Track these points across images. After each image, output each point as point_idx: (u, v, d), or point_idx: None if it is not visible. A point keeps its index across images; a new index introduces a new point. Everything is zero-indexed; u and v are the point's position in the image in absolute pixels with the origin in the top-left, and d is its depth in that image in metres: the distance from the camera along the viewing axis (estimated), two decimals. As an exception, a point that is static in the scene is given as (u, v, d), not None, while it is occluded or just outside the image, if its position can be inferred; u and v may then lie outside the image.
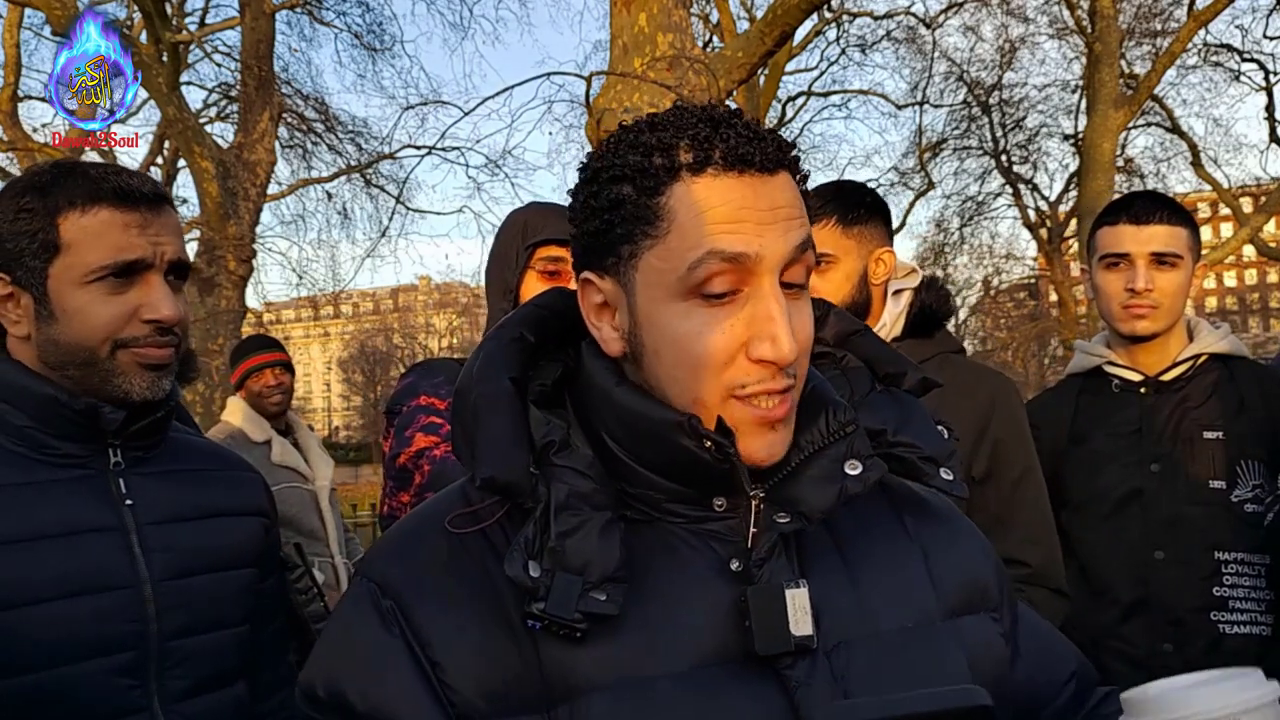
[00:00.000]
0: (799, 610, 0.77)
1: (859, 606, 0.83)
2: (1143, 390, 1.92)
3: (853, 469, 0.82)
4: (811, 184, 0.95)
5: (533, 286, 1.76)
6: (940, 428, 0.92)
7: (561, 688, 0.75)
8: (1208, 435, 1.85)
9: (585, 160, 0.84)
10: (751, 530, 0.81)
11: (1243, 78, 15.70)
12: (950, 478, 0.88)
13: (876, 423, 0.88)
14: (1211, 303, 50.80)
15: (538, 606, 0.74)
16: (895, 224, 2.06)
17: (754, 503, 0.81)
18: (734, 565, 0.80)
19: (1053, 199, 18.03)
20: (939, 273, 19.57)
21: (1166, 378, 1.91)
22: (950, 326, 1.96)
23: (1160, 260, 1.86)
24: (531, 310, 0.90)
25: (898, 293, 1.84)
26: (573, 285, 1.76)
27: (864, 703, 0.78)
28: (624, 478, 0.82)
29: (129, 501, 1.28)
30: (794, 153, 0.81)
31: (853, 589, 0.84)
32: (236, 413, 3.66)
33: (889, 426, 0.89)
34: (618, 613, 0.75)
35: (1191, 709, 0.85)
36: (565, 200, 0.88)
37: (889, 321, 1.83)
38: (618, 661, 0.76)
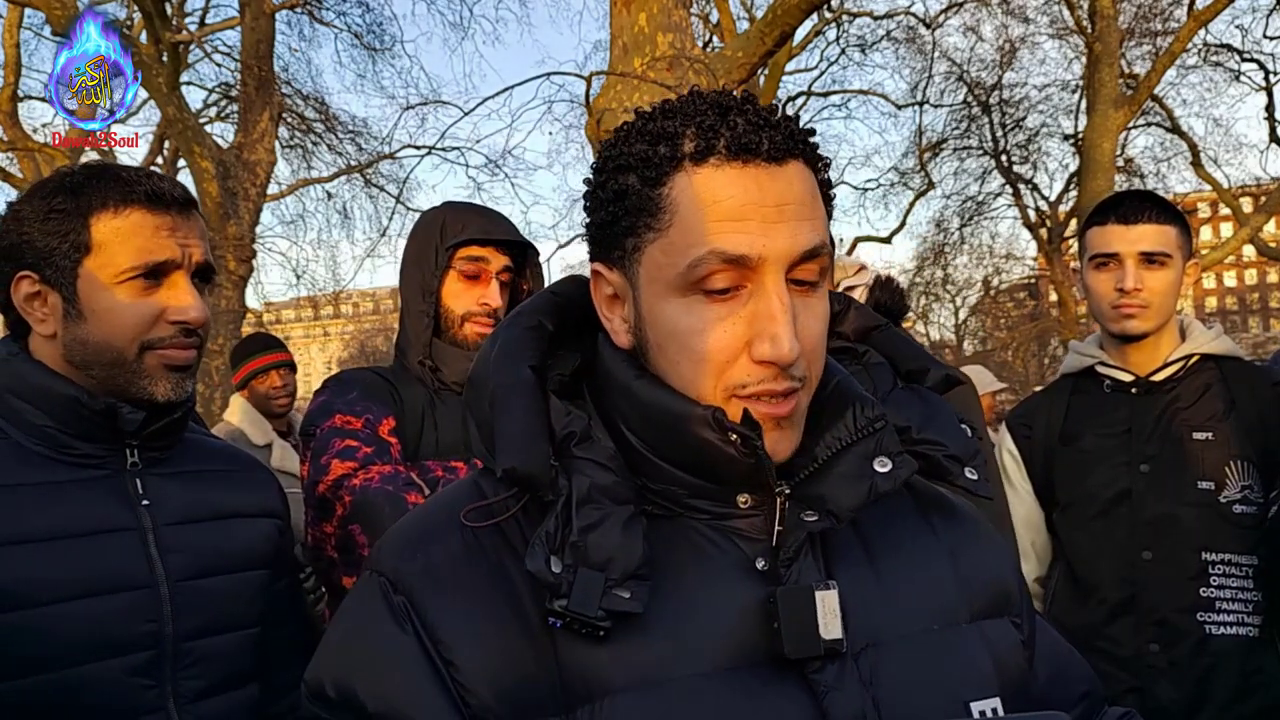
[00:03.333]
0: (829, 613, 0.74)
1: (886, 608, 0.80)
2: (1133, 390, 1.92)
3: (882, 466, 0.79)
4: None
5: (453, 288, 1.75)
6: (964, 426, 0.88)
7: (581, 689, 0.72)
8: (1197, 436, 1.84)
9: (599, 148, 0.80)
10: (777, 528, 0.78)
11: (1243, 78, 15.69)
12: (975, 478, 0.85)
13: (900, 420, 0.85)
14: (1211, 303, 50.74)
15: (560, 604, 0.71)
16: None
17: (780, 500, 0.78)
18: (760, 564, 0.78)
19: (1053, 199, 17.98)
20: (939, 272, 19.60)
21: (1157, 378, 1.90)
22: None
23: (1149, 259, 1.85)
24: (549, 298, 0.86)
25: (851, 289, 1.87)
26: (492, 286, 1.75)
27: None
28: (645, 473, 0.79)
29: (146, 502, 1.28)
30: (809, 140, 0.77)
31: (879, 590, 0.81)
32: (240, 413, 3.61)
33: (913, 424, 0.85)
34: (642, 611, 0.72)
35: None
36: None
37: None
38: (641, 662, 0.73)
